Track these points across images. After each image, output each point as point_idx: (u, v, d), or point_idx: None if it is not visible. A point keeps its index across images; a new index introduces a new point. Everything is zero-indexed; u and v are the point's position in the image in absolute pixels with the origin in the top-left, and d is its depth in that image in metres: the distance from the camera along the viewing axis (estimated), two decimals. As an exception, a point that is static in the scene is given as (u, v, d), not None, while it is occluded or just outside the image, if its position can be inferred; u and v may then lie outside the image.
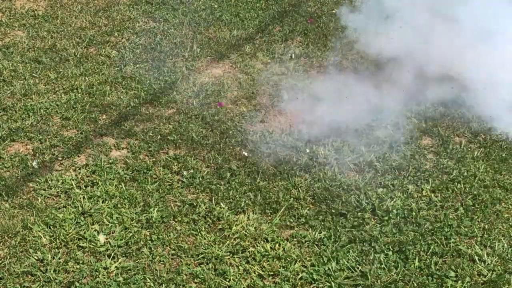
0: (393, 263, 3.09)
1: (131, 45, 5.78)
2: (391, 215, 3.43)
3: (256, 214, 3.45)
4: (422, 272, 3.05)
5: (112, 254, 3.11)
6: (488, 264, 3.11)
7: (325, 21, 6.60)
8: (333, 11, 7.00)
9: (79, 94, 4.75)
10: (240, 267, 3.06)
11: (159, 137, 4.19)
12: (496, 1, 4.73)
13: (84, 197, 3.53)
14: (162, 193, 3.60)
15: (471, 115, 4.50)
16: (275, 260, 3.11)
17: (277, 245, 3.21)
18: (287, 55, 5.66)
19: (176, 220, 3.39)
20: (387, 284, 2.97)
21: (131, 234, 3.24)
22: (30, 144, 4.09)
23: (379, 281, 2.99)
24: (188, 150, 4.06)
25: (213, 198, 3.58)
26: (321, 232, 3.31)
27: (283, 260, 3.11)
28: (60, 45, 5.70)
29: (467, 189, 3.71)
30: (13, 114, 4.44)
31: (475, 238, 3.30)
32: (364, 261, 3.11)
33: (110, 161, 3.91)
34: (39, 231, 3.26)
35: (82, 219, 3.35)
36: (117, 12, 6.63)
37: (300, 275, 3.02)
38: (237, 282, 2.97)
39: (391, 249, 3.18)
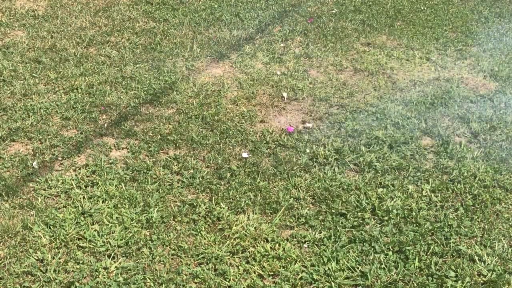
0: (393, 263, 3.09)
1: (131, 45, 5.78)
2: (391, 215, 3.43)
3: (256, 214, 3.45)
4: (422, 272, 3.05)
5: (112, 254, 3.11)
6: (488, 264, 3.11)
7: (325, 21, 6.61)
8: (333, 11, 7.01)
9: (79, 94, 4.76)
10: (240, 267, 3.06)
11: (159, 137, 4.19)
12: None
13: (84, 197, 3.53)
14: (162, 193, 3.60)
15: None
16: (275, 260, 3.11)
17: (277, 245, 3.21)
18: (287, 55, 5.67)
19: (176, 220, 3.39)
20: (387, 284, 2.97)
21: (131, 234, 3.24)
22: (30, 144, 4.09)
23: (379, 281, 2.99)
24: (188, 150, 4.06)
25: (213, 198, 3.58)
26: (321, 232, 3.31)
27: (283, 260, 3.11)
28: (60, 45, 5.70)
29: (467, 189, 3.70)
30: (13, 114, 4.44)
31: (475, 238, 3.30)
32: (364, 261, 3.11)
33: (110, 161, 3.91)
34: (39, 231, 3.25)
35: (82, 219, 3.35)
36: (117, 12, 6.64)
37: (300, 275, 3.02)
38: (237, 282, 2.97)
39: (391, 249, 3.18)
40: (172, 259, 3.12)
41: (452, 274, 3.02)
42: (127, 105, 4.63)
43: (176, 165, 3.87)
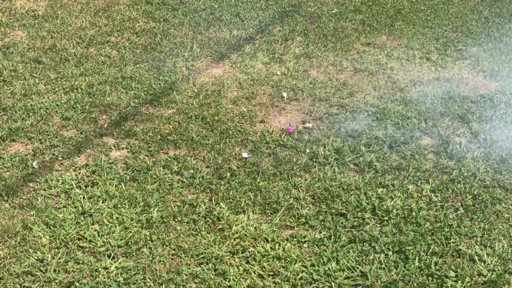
0: (393, 263, 3.09)
1: (131, 45, 5.78)
2: (391, 215, 3.43)
3: (256, 214, 3.45)
4: (422, 272, 3.05)
5: (112, 254, 3.11)
6: (488, 264, 3.11)
7: (325, 21, 6.61)
8: (333, 11, 7.00)
9: (79, 94, 4.76)
10: (240, 267, 3.06)
11: (159, 137, 4.19)
12: None
13: (84, 197, 3.53)
14: (162, 193, 3.60)
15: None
16: (275, 260, 3.11)
17: (277, 245, 3.21)
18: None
19: (176, 220, 3.39)
20: (387, 284, 2.97)
21: (131, 234, 3.24)
22: (30, 144, 4.09)
23: (379, 281, 2.99)
24: (188, 150, 4.06)
25: (213, 198, 3.58)
26: (321, 232, 3.31)
27: (283, 260, 3.11)
28: (60, 45, 5.70)
29: (467, 189, 3.70)
30: (13, 114, 4.45)
31: (475, 238, 3.30)
32: (364, 261, 3.11)
33: (110, 161, 3.91)
34: (39, 231, 3.26)
35: (82, 219, 3.35)
36: (117, 12, 6.64)
37: (300, 275, 3.02)
38: (237, 282, 2.97)
39: (391, 249, 3.18)
40: (172, 259, 3.12)
41: (452, 274, 3.02)
42: (127, 105, 4.63)
43: (176, 165, 3.87)
